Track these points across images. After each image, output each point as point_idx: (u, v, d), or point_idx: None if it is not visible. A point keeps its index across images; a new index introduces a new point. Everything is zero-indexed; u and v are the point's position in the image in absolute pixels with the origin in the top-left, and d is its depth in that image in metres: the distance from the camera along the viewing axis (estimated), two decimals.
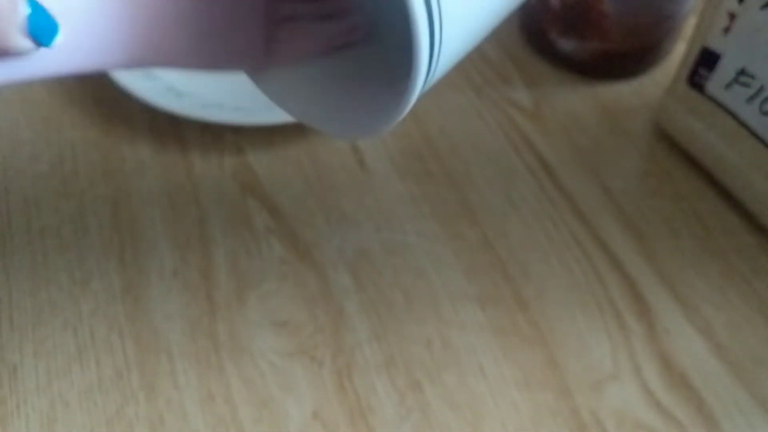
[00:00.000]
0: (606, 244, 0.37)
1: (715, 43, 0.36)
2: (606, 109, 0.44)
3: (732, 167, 0.38)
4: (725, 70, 0.36)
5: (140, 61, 0.25)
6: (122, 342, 0.34)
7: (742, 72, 0.35)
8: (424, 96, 0.44)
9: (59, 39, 0.22)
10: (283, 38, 0.28)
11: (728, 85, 0.36)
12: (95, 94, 0.44)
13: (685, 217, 0.39)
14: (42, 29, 0.21)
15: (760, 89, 0.35)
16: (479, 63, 0.46)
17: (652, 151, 0.42)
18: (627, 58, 0.44)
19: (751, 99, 0.35)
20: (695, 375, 0.33)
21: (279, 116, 0.40)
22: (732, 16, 0.35)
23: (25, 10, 0.20)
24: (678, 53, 0.41)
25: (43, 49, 0.22)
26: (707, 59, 0.37)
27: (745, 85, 0.35)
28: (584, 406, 0.32)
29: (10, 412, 0.31)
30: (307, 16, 0.28)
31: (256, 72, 0.28)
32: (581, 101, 0.44)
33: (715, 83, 0.37)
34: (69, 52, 0.23)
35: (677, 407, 0.32)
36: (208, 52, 0.26)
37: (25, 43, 0.21)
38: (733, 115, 0.37)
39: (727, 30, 0.35)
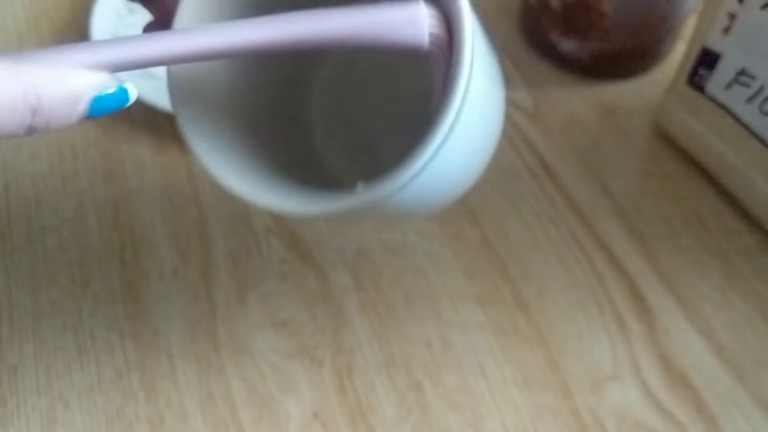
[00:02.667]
0: (606, 244, 0.37)
1: (715, 43, 0.36)
2: (606, 109, 0.44)
3: (732, 167, 0.38)
4: (725, 70, 0.36)
5: None
6: (122, 342, 0.34)
7: (742, 72, 0.35)
8: None
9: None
10: None
11: (728, 85, 0.36)
12: None
13: (685, 217, 0.39)
14: (110, 104, 0.21)
15: (760, 89, 0.35)
16: None
17: (652, 151, 0.42)
18: (627, 58, 0.44)
19: (751, 99, 0.35)
20: (695, 375, 0.33)
21: None
22: (732, 16, 0.35)
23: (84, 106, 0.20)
24: (678, 53, 0.41)
25: None
26: (707, 59, 0.37)
27: (745, 85, 0.35)
28: (584, 406, 0.32)
29: (10, 412, 0.31)
30: None
31: None
32: (581, 101, 0.44)
33: (715, 83, 0.37)
34: None
35: (677, 407, 0.32)
36: None
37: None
38: (733, 115, 0.37)
39: (727, 30, 0.35)
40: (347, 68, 0.33)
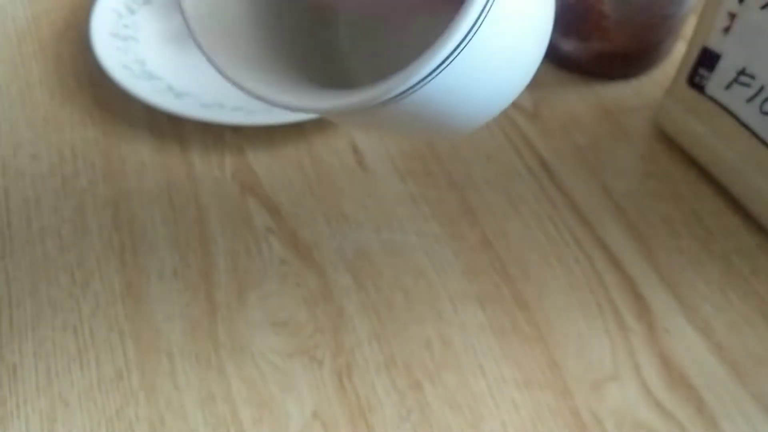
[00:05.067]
0: (606, 244, 0.37)
1: (715, 43, 0.36)
2: (606, 109, 0.44)
3: (732, 167, 0.38)
4: (725, 70, 0.36)
5: None
6: (122, 342, 0.34)
7: (742, 72, 0.35)
8: None
9: None
10: None
11: (728, 86, 0.36)
12: (95, 94, 0.44)
13: (685, 218, 0.39)
14: None
15: (760, 89, 0.35)
16: None
17: (652, 151, 0.42)
18: (627, 58, 0.44)
19: (751, 99, 0.35)
20: (695, 375, 0.33)
21: (279, 116, 0.40)
22: (732, 16, 0.35)
23: None
24: (678, 53, 0.41)
25: None
26: (707, 59, 0.37)
27: (745, 85, 0.35)
28: (584, 406, 0.32)
29: (10, 412, 0.31)
30: None
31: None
32: (581, 101, 0.44)
33: (715, 83, 0.37)
34: None
35: (677, 407, 0.32)
36: None
37: None
38: (733, 116, 0.37)
39: (727, 30, 0.35)
40: None
